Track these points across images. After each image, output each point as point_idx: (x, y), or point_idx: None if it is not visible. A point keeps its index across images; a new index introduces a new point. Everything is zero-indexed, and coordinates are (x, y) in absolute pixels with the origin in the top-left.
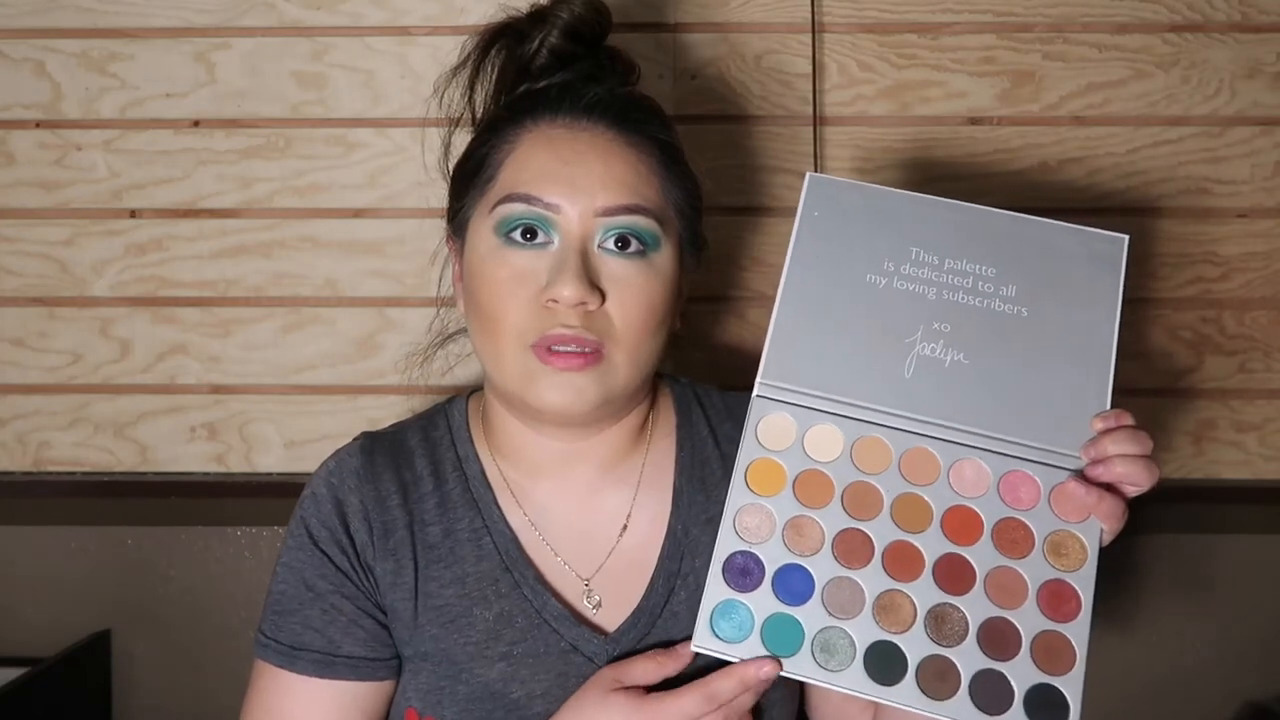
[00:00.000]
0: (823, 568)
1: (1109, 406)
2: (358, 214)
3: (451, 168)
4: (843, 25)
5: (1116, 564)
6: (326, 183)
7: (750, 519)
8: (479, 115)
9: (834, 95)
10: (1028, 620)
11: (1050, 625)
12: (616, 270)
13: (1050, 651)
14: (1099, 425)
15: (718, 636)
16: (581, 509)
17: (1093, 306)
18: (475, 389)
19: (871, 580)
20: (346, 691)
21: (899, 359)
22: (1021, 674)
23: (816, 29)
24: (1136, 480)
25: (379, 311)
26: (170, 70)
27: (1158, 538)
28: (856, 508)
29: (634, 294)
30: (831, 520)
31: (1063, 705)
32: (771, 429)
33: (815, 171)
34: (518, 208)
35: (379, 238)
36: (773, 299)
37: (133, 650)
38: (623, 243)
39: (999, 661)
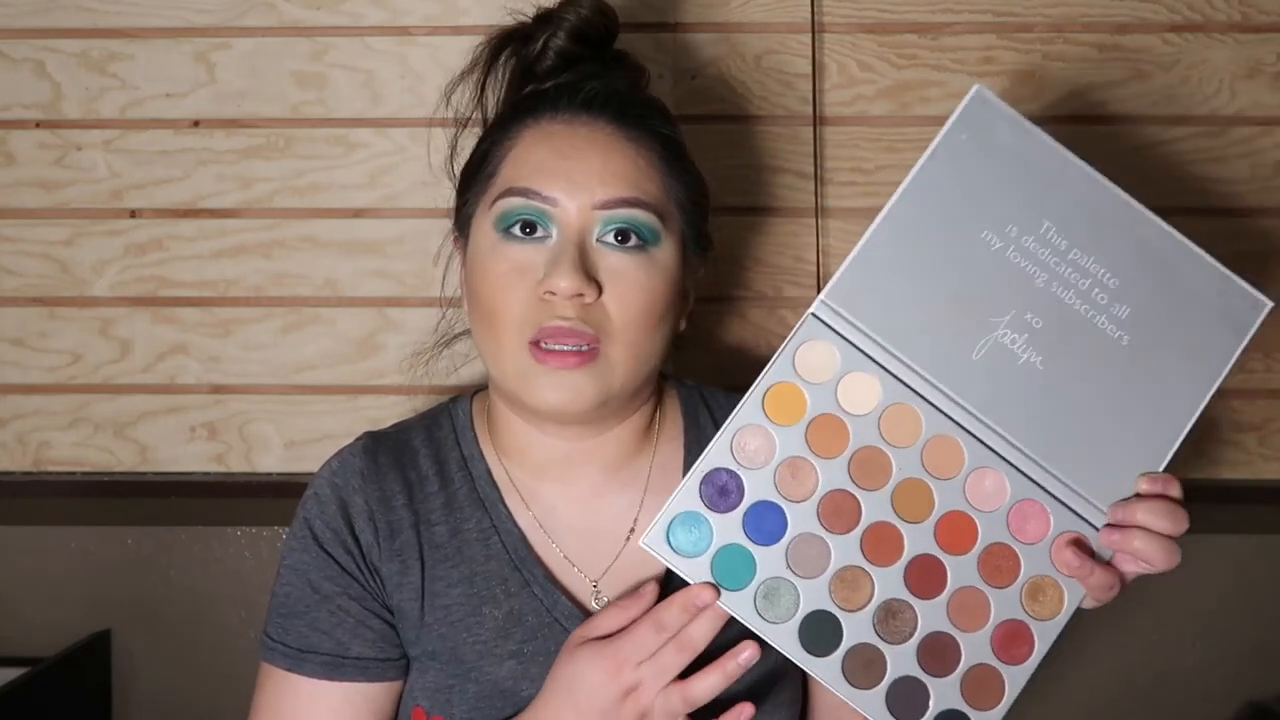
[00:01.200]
0: (801, 518)
1: (1162, 468)
2: (358, 214)
3: (459, 168)
4: (843, 25)
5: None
6: (326, 183)
7: (750, 440)
8: (489, 118)
9: (834, 95)
10: (975, 648)
11: (993, 661)
12: (615, 264)
13: (980, 685)
14: (1143, 487)
15: (670, 544)
16: (587, 510)
17: (1197, 365)
18: (479, 389)
19: (843, 550)
20: (356, 692)
21: (975, 336)
22: (943, 694)
23: (816, 29)
24: (1151, 560)
25: (379, 311)
26: (170, 70)
27: None
28: (861, 474)
29: (632, 287)
30: (831, 475)
31: None
32: (812, 356)
33: (816, 171)
34: (516, 202)
35: (379, 238)
36: (773, 299)
37: (133, 650)
38: (622, 236)
39: (928, 675)
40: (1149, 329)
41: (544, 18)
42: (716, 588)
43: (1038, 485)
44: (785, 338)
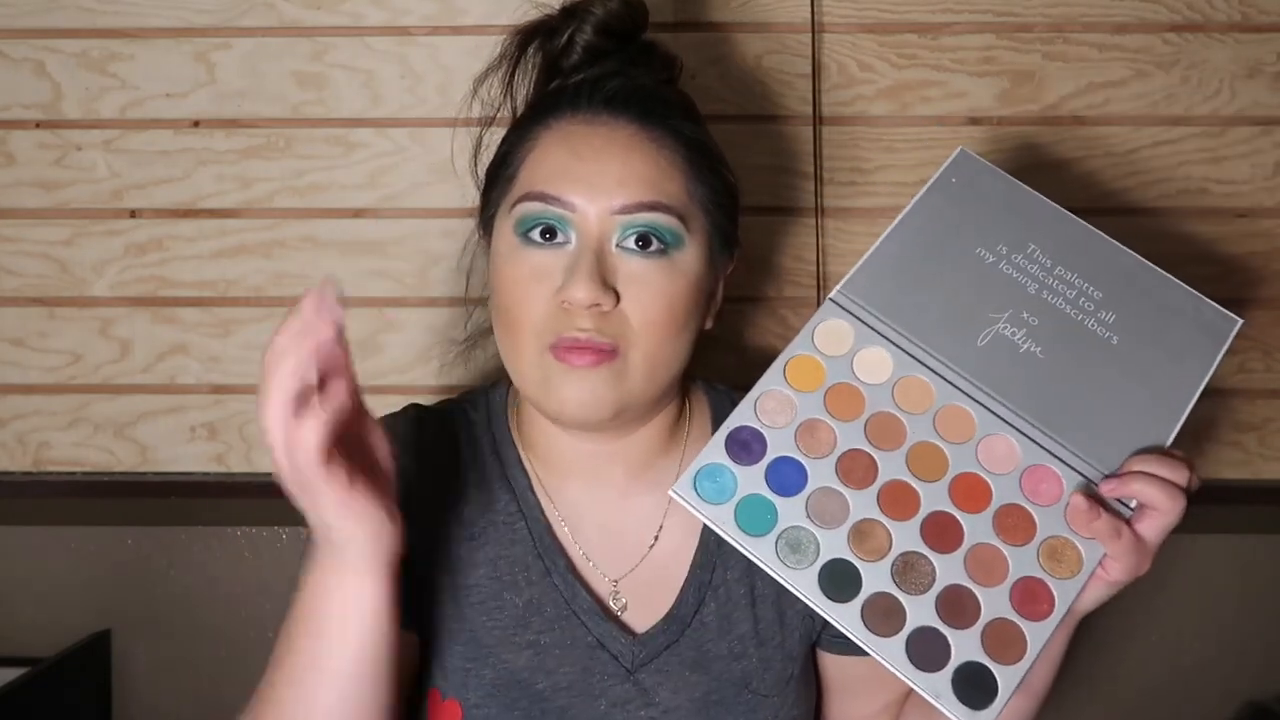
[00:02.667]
0: (820, 473)
1: (1168, 445)
2: (358, 214)
3: (483, 168)
4: (843, 25)
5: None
6: (326, 183)
7: (772, 403)
8: (518, 112)
9: (834, 95)
10: (993, 602)
11: (1013, 616)
12: (635, 269)
13: (1002, 638)
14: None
15: (696, 493)
16: (612, 511)
17: (1182, 364)
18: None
19: (860, 504)
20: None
21: (978, 327)
22: (965, 646)
23: (816, 29)
24: (1153, 501)
25: (379, 312)
26: (170, 70)
27: None
28: (877, 435)
29: (653, 294)
30: (849, 436)
31: (991, 690)
32: (829, 332)
33: (816, 171)
34: (535, 206)
35: (379, 238)
36: (773, 299)
37: (133, 650)
38: (643, 241)
39: (949, 626)
40: (1135, 332)
41: (570, 11)
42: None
43: (1048, 452)
44: (787, 336)
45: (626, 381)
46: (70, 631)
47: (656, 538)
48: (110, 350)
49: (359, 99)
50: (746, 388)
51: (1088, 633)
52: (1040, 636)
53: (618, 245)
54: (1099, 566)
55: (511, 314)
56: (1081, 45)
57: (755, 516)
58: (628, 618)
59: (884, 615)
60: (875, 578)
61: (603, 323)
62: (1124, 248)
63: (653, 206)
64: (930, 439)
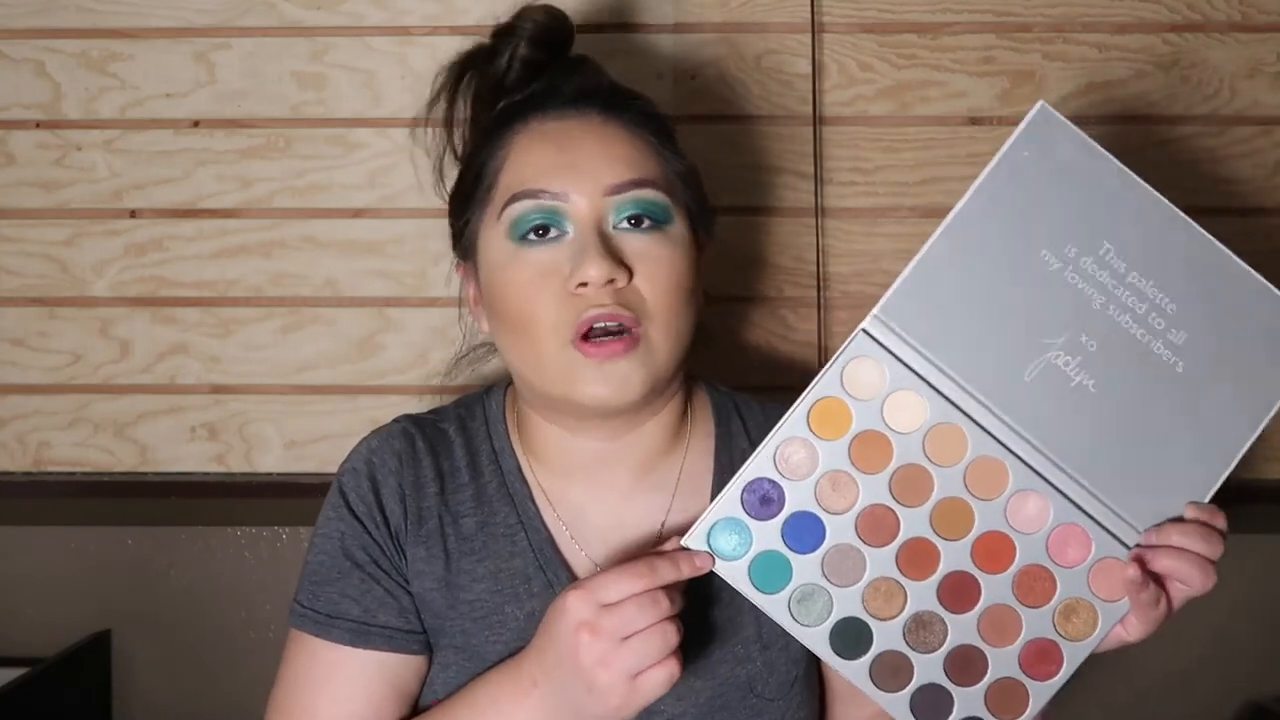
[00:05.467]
0: (840, 530)
1: (1208, 497)
2: (358, 214)
3: (448, 194)
4: (843, 25)
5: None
6: (326, 183)
7: (794, 452)
8: (460, 147)
9: (834, 95)
10: (1002, 662)
11: (1020, 676)
12: (637, 246)
13: (1005, 696)
14: (1188, 514)
15: (709, 546)
16: (616, 512)
17: (1250, 394)
18: (510, 381)
19: (879, 563)
20: (380, 663)
21: (1027, 357)
22: (967, 703)
23: (816, 29)
24: (1185, 578)
25: (379, 311)
26: (170, 70)
27: None
28: (903, 490)
29: (660, 266)
30: (872, 490)
31: None
32: (860, 373)
33: (816, 171)
34: (526, 205)
35: (379, 238)
36: (773, 299)
37: (133, 650)
38: (636, 220)
39: (954, 684)
40: (1204, 356)
41: (503, 31)
42: (713, 557)
43: (1081, 510)
44: (787, 336)
45: (652, 361)
46: (70, 631)
47: (659, 536)
48: (110, 350)
49: (359, 99)
50: (747, 389)
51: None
52: (1044, 695)
53: (614, 227)
54: (1119, 624)
55: (524, 317)
56: (1081, 45)
57: (770, 574)
58: None
59: (892, 672)
60: (887, 637)
61: (620, 298)
62: (1199, 229)
63: (640, 184)
64: (959, 494)
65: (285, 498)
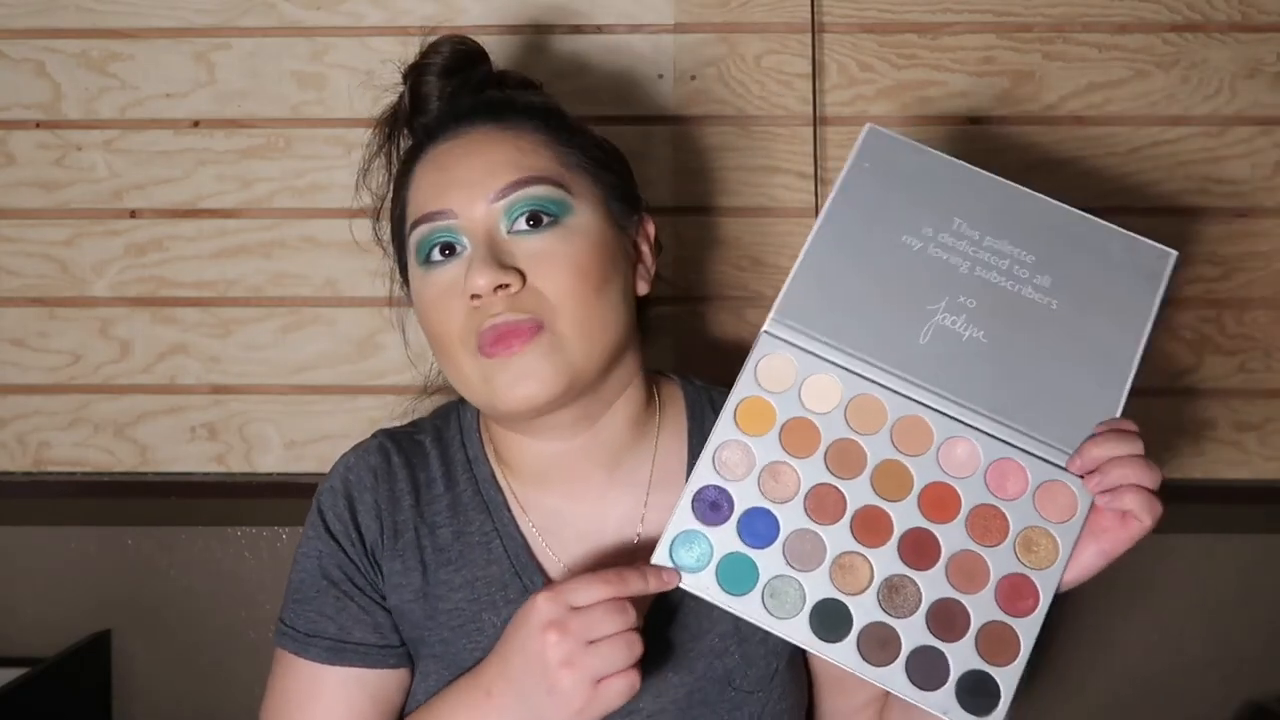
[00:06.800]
0: (791, 517)
1: (1118, 414)
2: (358, 214)
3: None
4: (843, 25)
5: (1119, 561)
6: (326, 183)
7: (730, 455)
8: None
9: (834, 95)
10: (981, 607)
11: (1002, 617)
12: (534, 247)
13: (995, 641)
14: (1100, 430)
15: (675, 563)
16: (591, 512)
17: (1125, 316)
18: None
19: (836, 539)
20: (358, 678)
21: (917, 324)
22: (961, 657)
23: (816, 29)
24: (1139, 479)
25: (379, 311)
26: (170, 70)
27: (1159, 538)
28: (838, 465)
29: (556, 262)
30: (810, 472)
31: (994, 694)
32: (772, 369)
33: (815, 171)
34: (422, 229)
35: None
36: (772, 300)
37: (133, 650)
38: (533, 219)
39: (942, 641)
40: (1072, 293)
41: (414, 68)
42: (678, 572)
43: (1007, 444)
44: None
45: (562, 352)
46: (70, 631)
47: (638, 535)
48: (110, 350)
49: (359, 99)
50: (729, 384)
51: (1088, 632)
52: (1031, 631)
53: (510, 231)
54: (1094, 549)
55: (436, 334)
56: (1081, 45)
57: (737, 575)
58: None
59: (879, 645)
60: (864, 610)
61: (515, 303)
62: (1050, 199)
63: (526, 181)
64: (891, 456)
65: (285, 498)
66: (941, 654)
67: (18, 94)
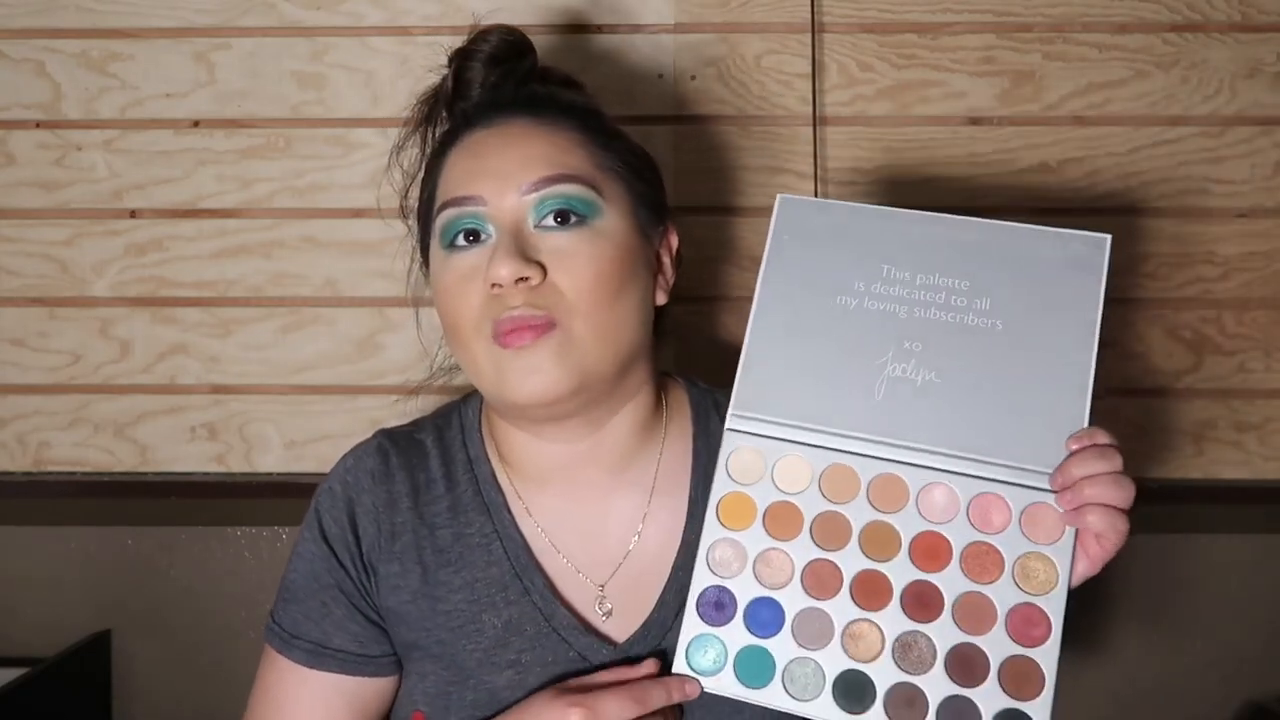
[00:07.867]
0: (792, 599)
1: (1085, 422)
2: (358, 214)
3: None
4: (843, 25)
5: (1118, 562)
6: (326, 183)
7: (722, 552)
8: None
9: (834, 95)
10: (996, 646)
11: (1019, 650)
12: (559, 243)
13: (1019, 676)
14: (1072, 446)
15: (693, 669)
16: (593, 513)
17: (1071, 314)
18: None
19: (840, 610)
20: (336, 684)
21: (869, 381)
22: (989, 699)
23: (816, 29)
24: (1109, 499)
25: (379, 311)
26: (170, 70)
27: (1159, 538)
28: (825, 538)
29: (579, 261)
30: (801, 552)
31: None
32: (742, 463)
33: (815, 170)
34: (450, 213)
35: (379, 238)
36: None
37: (133, 650)
38: (561, 217)
39: (966, 688)
40: (1015, 308)
41: (460, 53)
42: (698, 679)
43: (982, 478)
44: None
45: (575, 352)
46: (70, 631)
47: (639, 535)
48: (110, 350)
49: (359, 99)
50: (729, 384)
51: (1088, 632)
52: (1051, 658)
53: (537, 225)
54: (1079, 561)
55: (452, 319)
56: (1081, 45)
57: (754, 668)
58: (611, 624)
59: (907, 705)
60: (883, 674)
61: (533, 297)
62: (969, 218)
63: (559, 179)
64: (874, 517)
65: (285, 498)
66: (969, 700)
67: (18, 94)
